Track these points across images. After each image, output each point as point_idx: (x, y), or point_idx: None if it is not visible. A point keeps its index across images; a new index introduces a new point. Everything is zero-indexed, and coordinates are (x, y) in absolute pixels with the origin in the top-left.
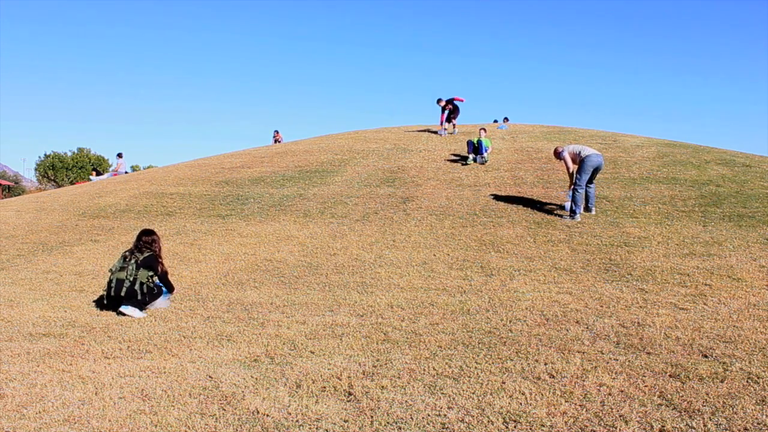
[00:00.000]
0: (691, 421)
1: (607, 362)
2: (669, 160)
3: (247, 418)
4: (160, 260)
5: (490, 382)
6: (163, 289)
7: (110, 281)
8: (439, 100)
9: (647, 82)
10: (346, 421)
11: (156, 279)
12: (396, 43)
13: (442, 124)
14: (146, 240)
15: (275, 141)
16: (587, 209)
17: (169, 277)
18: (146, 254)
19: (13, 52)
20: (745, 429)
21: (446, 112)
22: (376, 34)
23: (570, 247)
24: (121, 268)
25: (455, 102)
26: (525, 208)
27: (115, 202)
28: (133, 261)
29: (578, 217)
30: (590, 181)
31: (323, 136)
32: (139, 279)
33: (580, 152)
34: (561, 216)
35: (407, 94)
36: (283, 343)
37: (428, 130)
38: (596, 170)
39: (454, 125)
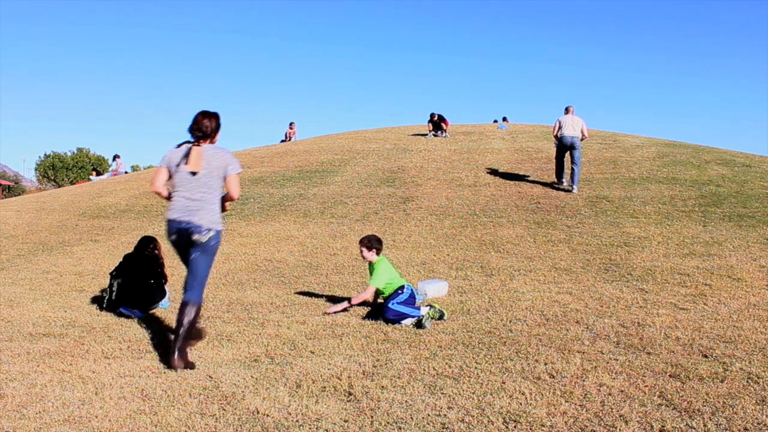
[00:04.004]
0: (691, 421)
1: (607, 362)
2: (669, 160)
3: (247, 418)
4: (161, 261)
5: (490, 382)
6: (166, 290)
7: (111, 285)
8: (432, 115)
9: (647, 82)
10: (346, 421)
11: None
12: (396, 43)
13: (429, 130)
14: (147, 245)
15: (287, 136)
16: (570, 189)
17: (166, 285)
18: (146, 258)
19: (13, 52)
20: (745, 429)
21: (433, 121)
22: (375, 34)
23: (570, 247)
24: (121, 272)
25: (442, 121)
26: (525, 208)
27: (115, 202)
28: (133, 264)
29: (564, 184)
30: (571, 160)
31: (323, 136)
32: (140, 281)
33: (561, 128)
34: (552, 186)
35: (407, 94)
36: (283, 343)
37: (420, 133)
38: (570, 148)
39: (443, 129)
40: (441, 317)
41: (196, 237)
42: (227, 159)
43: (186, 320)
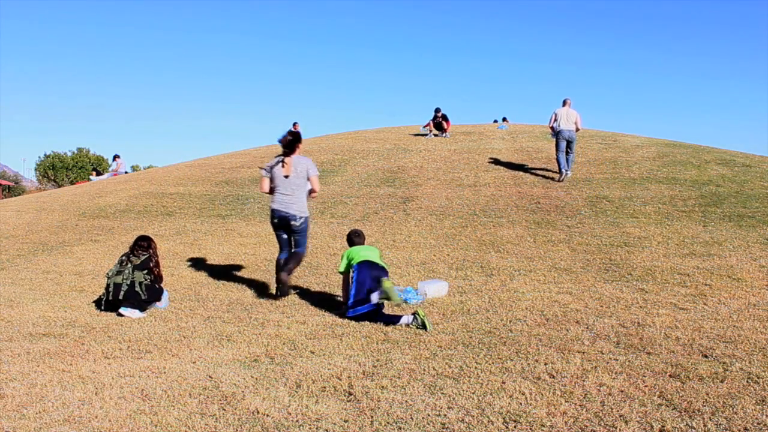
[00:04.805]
0: (691, 421)
1: (607, 362)
2: (669, 160)
3: (247, 418)
4: (156, 260)
5: (490, 382)
6: (164, 290)
7: (108, 286)
8: (437, 110)
9: (647, 82)
10: (346, 421)
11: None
12: (396, 43)
13: (430, 130)
14: (142, 244)
15: None
16: (567, 174)
17: (163, 284)
18: (142, 257)
19: (13, 52)
20: (745, 429)
21: (436, 121)
22: (376, 34)
23: (570, 247)
24: (118, 272)
25: (445, 121)
26: (525, 208)
27: (115, 202)
28: (129, 264)
29: (563, 178)
30: (567, 150)
31: (323, 136)
32: (137, 280)
33: (559, 123)
34: (554, 179)
35: (407, 95)
36: (283, 343)
37: (420, 133)
38: (568, 141)
39: (445, 129)
40: (423, 327)
41: (292, 223)
42: (308, 165)
43: (293, 263)
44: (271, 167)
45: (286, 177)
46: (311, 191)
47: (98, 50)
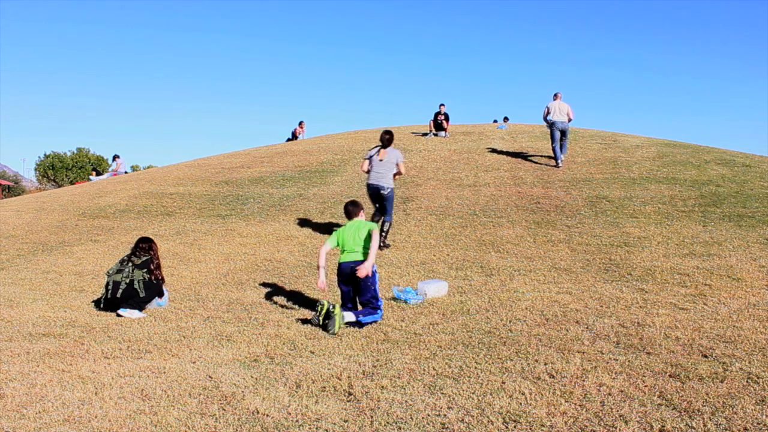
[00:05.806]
0: (691, 421)
1: (607, 362)
2: (669, 160)
3: (247, 418)
4: (157, 263)
5: (490, 382)
6: (164, 288)
7: (107, 284)
8: (441, 107)
9: (647, 82)
10: (346, 421)
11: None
12: (396, 43)
13: (430, 129)
14: (143, 247)
15: (294, 135)
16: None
17: (164, 285)
18: (143, 258)
19: (13, 52)
20: (745, 429)
21: (438, 120)
22: (375, 34)
23: (570, 247)
24: (118, 271)
25: (446, 120)
26: (525, 208)
27: (115, 202)
28: (129, 264)
29: (559, 164)
30: (562, 140)
31: (323, 136)
32: (136, 278)
33: (552, 116)
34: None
35: (407, 95)
36: (283, 343)
37: (420, 133)
38: (561, 132)
39: (445, 129)
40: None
41: (382, 192)
42: (396, 154)
43: (386, 227)
44: (371, 155)
45: (381, 161)
46: (397, 173)
47: (98, 50)
